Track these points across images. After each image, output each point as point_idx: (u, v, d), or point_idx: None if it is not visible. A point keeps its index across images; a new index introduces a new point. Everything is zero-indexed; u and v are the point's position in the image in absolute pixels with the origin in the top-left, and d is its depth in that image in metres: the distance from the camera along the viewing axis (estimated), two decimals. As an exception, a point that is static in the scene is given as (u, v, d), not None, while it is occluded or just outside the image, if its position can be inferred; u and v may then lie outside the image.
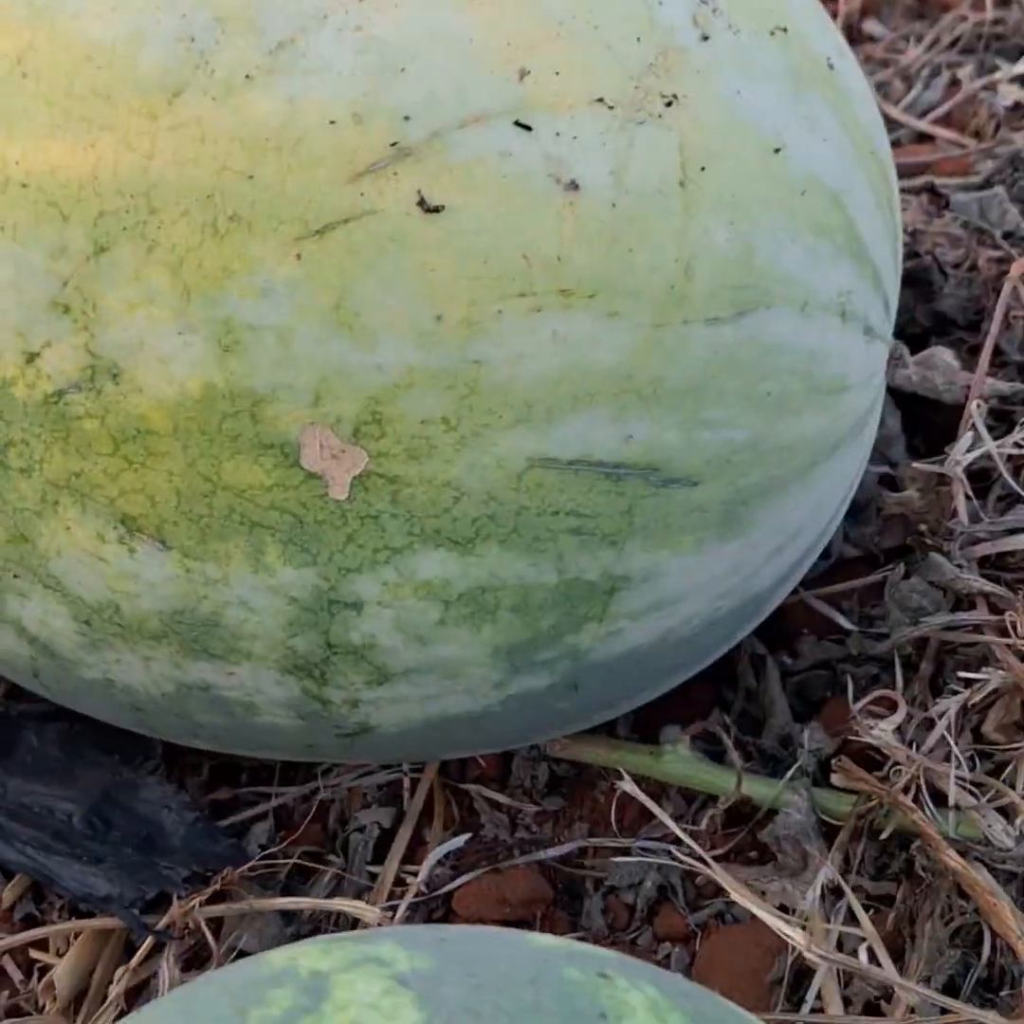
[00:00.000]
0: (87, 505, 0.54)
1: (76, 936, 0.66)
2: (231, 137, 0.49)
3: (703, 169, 0.51)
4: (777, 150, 0.53)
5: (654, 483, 0.53)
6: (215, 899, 0.66)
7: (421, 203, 0.49)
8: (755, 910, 0.60)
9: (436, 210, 0.49)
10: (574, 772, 0.75)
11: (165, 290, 0.50)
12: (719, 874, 0.61)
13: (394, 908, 0.67)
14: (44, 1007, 0.63)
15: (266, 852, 0.68)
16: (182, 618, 0.56)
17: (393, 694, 0.58)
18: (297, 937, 0.69)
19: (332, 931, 0.70)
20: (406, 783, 0.75)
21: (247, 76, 0.49)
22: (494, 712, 0.60)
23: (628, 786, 0.63)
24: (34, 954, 0.66)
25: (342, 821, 0.75)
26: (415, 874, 0.70)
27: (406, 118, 0.49)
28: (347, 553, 0.53)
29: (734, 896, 0.62)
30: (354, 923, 0.69)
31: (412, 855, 0.72)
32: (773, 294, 0.53)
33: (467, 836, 0.70)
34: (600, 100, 0.50)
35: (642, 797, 0.64)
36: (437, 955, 0.40)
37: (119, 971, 0.63)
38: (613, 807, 0.72)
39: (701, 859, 0.65)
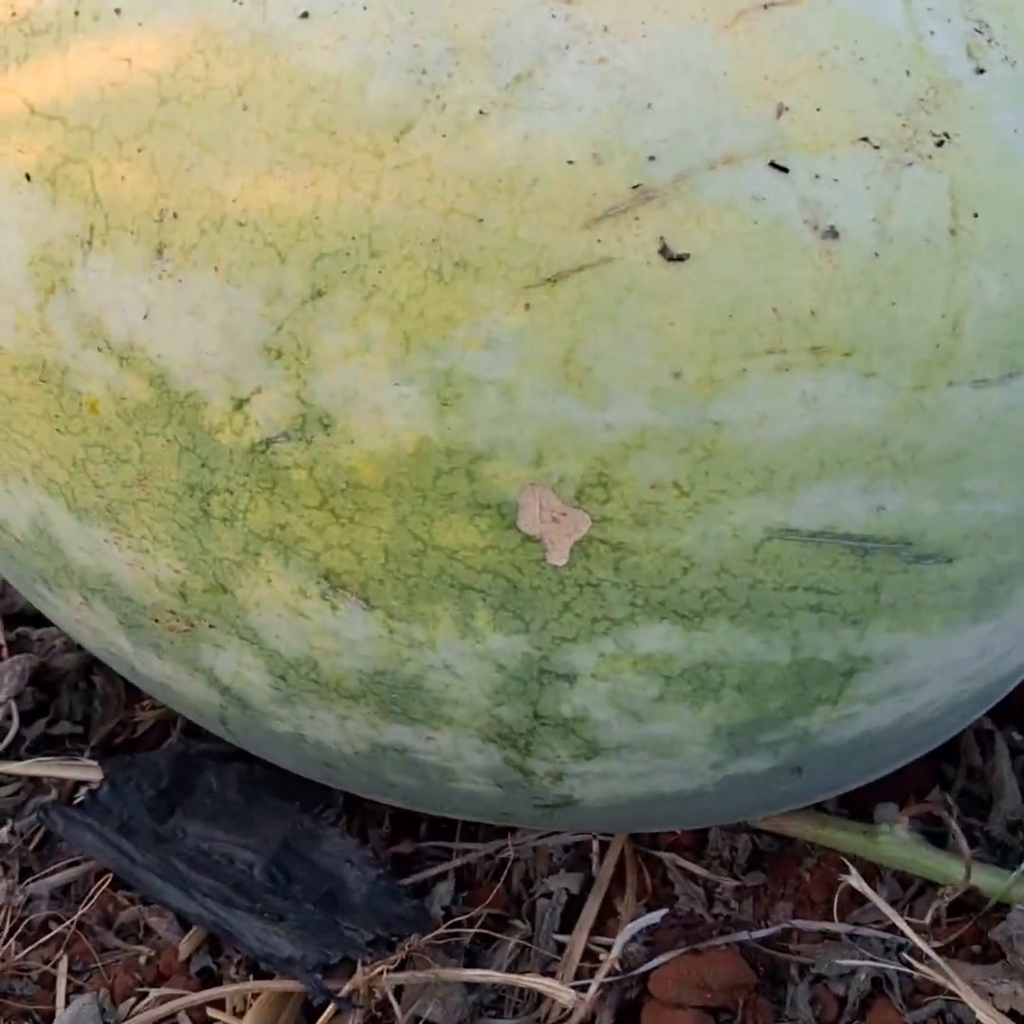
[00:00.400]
0: (290, 558, 0.51)
1: (254, 996, 0.63)
2: (461, 177, 0.45)
3: (976, 215, 0.46)
4: (1055, 193, 0.48)
5: (905, 558, 0.48)
6: (398, 965, 0.63)
7: (664, 250, 0.45)
8: (988, 1021, 0.55)
9: (680, 258, 0.45)
10: (777, 846, 0.70)
11: (383, 338, 0.47)
12: (955, 981, 0.56)
13: (585, 986, 0.63)
14: (222, 1070, 0.60)
15: (452, 921, 0.65)
16: (382, 679, 0.53)
17: (601, 769, 0.54)
18: (480, 1007, 0.66)
19: (517, 1003, 0.66)
20: (594, 846, 0.71)
21: (480, 112, 0.45)
22: (708, 792, 0.56)
23: (855, 882, 0.59)
24: (211, 1012, 0.64)
25: (527, 882, 0.71)
26: (604, 946, 0.67)
27: (651, 158, 0.45)
28: (563, 622, 0.49)
29: (966, 1001, 0.57)
30: (539, 996, 0.65)
31: (602, 925, 0.68)
32: (1047, 354, 0.47)
33: (663, 912, 0.65)
34: (864, 139, 0.45)
35: (871, 894, 0.59)
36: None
37: (299, 1037, 0.61)
38: (821, 886, 0.67)
39: (924, 955, 0.60)
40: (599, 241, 0.45)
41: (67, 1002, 0.64)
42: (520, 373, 0.46)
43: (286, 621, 0.53)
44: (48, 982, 0.65)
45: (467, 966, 0.66)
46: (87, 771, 0.72)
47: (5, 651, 0.78)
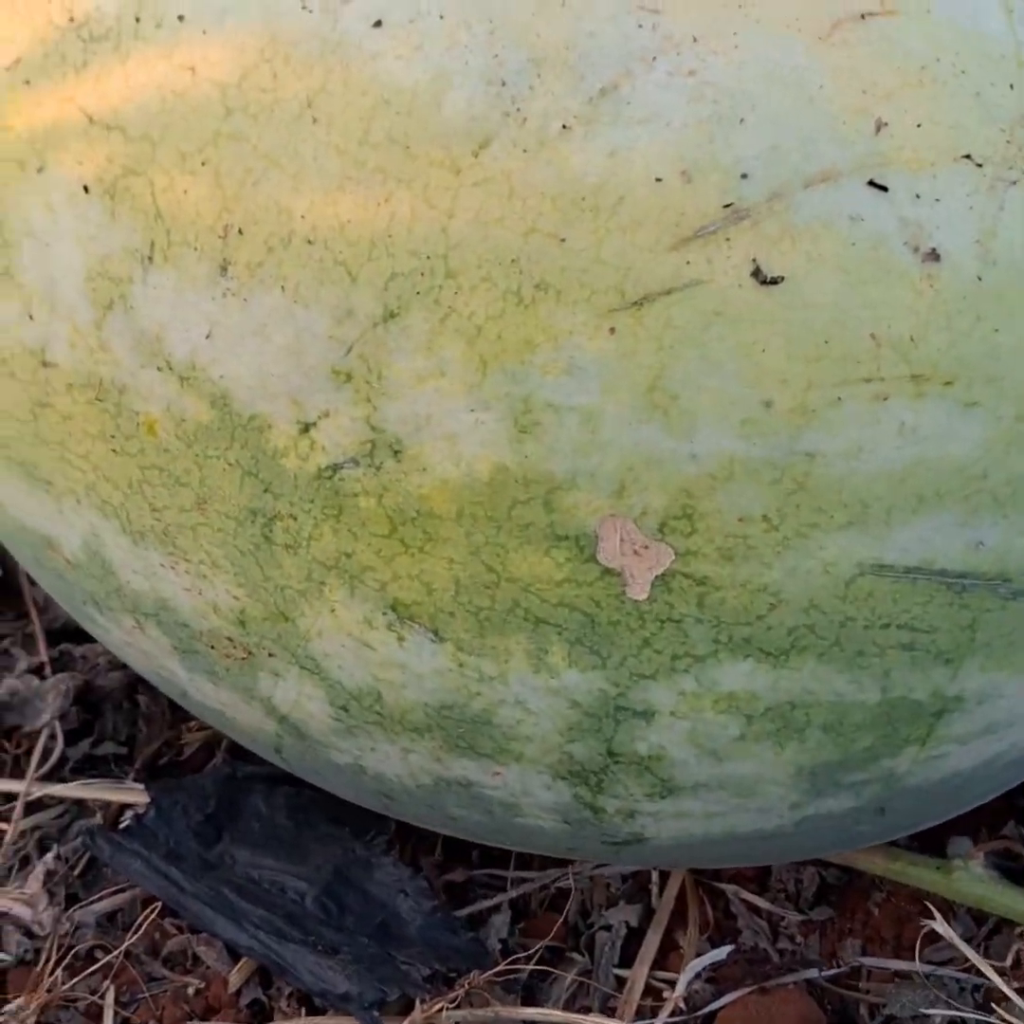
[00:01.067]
0: (356, 588, 0.49)
1: (308, 1031, 0.62)
2: (542, 195, 0.43)
3: (1086, 237, 0.43)
4: None
5: (1004, 595, 0.46)
6: (456, 1001, 0.61)
7: (756, 273, 0.42)
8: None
9: (773, 282, 0.42)
10: (845, 879, 0.68)
11: (459, 362, 0.44)
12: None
13: (647, 1024, 0.61)
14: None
15: (512, 958, 0.63)
16: (450, 713, 0.51)
17: (676, 809, 0.52)
18: (540, 1045, 0.63)
19: (576, 1040, 0.64)
20: (654, 876, 0.69)
21: (563, 126, 0.43)
22: (786, 832, 0.53)
23: (940, 927, 0.56)
24: (264, 1048, 0.62)
25: (584, 913, 0.69)
26: (666, 982, 0.65)
27: (743, 176, 0.42)
28: (642, 658, 0.47)
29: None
30: (600, 1031, 0.63)
31: (663, 959, 0.66)
32: None
33: (730, 948, 0.63)
34: (967, 156, 0.43)
35: (954, 937, 0.57)
36: None
37: (355, 1076, 0.59)
38: (891, 922, 0.65)
39: (1002, 998, 0.58)
40: (688, 263, 0.43)
41: (114, 1033, 0.62)
42: (603, 400, 0.44)
43: (350, 651, 0.51)
44: (94, 1013, 0.64)
45: (525, 1000, 0.64)
46: (132, 794, 0.70)
47: (48, 668, 0.76)
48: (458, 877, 0.70)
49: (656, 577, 0.46)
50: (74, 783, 0.70)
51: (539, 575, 0.46)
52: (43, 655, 0.77)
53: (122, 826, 0.69)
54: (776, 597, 0.46)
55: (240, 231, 0.46)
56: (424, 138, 0.44)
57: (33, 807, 0.71)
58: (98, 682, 0.75)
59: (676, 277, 0.43)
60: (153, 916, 0.65)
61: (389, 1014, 0.61)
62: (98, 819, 0.70)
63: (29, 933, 0.65)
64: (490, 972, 0.60)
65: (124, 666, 0.76)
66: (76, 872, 0.68)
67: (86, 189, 0.49)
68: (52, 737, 0.73)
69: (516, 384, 0.44)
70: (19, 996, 0.61)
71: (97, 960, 0.65)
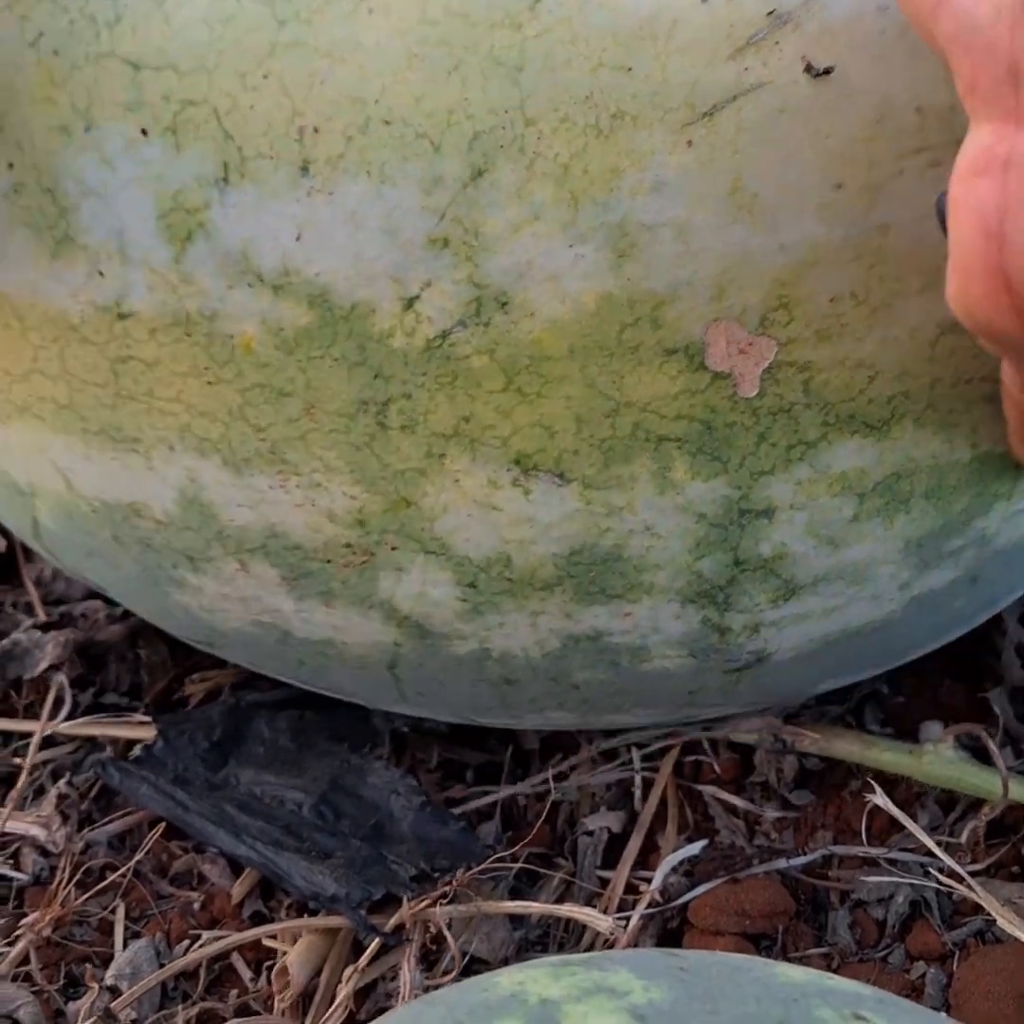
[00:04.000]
0: (478, 451, 0.52)
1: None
2: (602, 32, 0.47)
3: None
4: None
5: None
6: (442, 898, 0.63)
7: (808, 68, 0.47)
8: (1020, 935, 0.57)
9: (826, 72, 0.47)
10: (823, 767, 0.70)
11: (551, 204, 0.48)
12: (981, 896, 0.58)
13: (627, 917, 0.63)
14: (273, 1006, 0.61)
15: (495, 856, 0.65)
16: (580, 558, 0.53)
17: (798, 611, 0.56)
18: (526, 942, 0.66)
19: (562, 937, 0.66)
20: (637, 781, 0.71)
21: (610, -34, 0.47)
22: (895, 619, 0.57)
23: (879, 800, 0.61)
24: (267, 942, 0.65)
25: (571, 822, 0.71)
26: (647, 881, 0.66)
27: (779, -16, 0.47)
28: (760, 454, 0.51)
29: (997, 916, 0.59)
30: (584, 930, 0.66)
31: (644, 860, 0.68)
32: None
33: (703, 843, 0.66)
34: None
35: (894, 811, 0.62)
36: (675, 987, 0.38)
37: (348, 971, 0.61)
38: (862, 813, 0.67)
39: (958, 875, 0.61)
40: (746, 69, 0.47)
41: (124, 946, 0.66)
42: (691, 210, 0.48)
43: (476, 520, 0.53)
44: (106, 928, 0.67)
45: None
46: (142, 729, 0.73)
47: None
48: (454, 794, 0.72)
49: (763, 371, 0.50)
50: (84, 719, 0.73)
51: (655, 393, 0.50)
52: (41, 616, 0.79)
53: (132, 757, 0.72)
54: (872, 369, 0.50)
55: (316, 129, 0.49)
56: (480, 4, 0.48)
57: (46, 746, 0.74)
58: (99, 637, 0.77)
59: (738, 83, 0.47)
60: (159, 837, 0.68)
61: (382, 913, 0.64)
62: (109, 753, 0.73)
63: (45, 853, 0.68)
64: (475, 869, 0.63)
65: (124, 619, 0.78)
66: (89, 798, 0.71)
67: (144, 132, 0.51)
68: (60, 683, 0.75)
69: (609, 212, 0.48)
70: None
71: (107, 879, 0.67)
